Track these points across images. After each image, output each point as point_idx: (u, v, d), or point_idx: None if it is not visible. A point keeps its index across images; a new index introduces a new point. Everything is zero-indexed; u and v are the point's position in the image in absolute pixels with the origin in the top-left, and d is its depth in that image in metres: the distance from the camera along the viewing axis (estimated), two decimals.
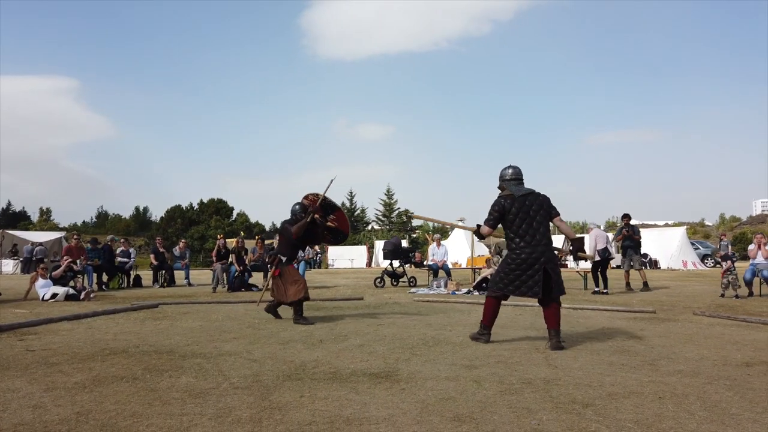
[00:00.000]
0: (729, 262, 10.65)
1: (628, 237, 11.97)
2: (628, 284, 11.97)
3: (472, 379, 3.74)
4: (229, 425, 2.80)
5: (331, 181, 7.19)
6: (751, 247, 10.70)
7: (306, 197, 7.21)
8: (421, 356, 4.56)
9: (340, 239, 7.84)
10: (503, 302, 5.31)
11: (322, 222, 7.09)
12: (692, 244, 29.85)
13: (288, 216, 7.03)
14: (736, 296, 9.83)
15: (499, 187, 5.32)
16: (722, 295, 10.00)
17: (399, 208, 62.73)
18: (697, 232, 55.96)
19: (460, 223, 6.78)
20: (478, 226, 5.29)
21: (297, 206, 7.04)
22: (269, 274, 6.96)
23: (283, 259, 6.81)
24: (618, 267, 13.83)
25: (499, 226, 5.18)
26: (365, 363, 4.30)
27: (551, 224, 5.15)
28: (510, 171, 5.27)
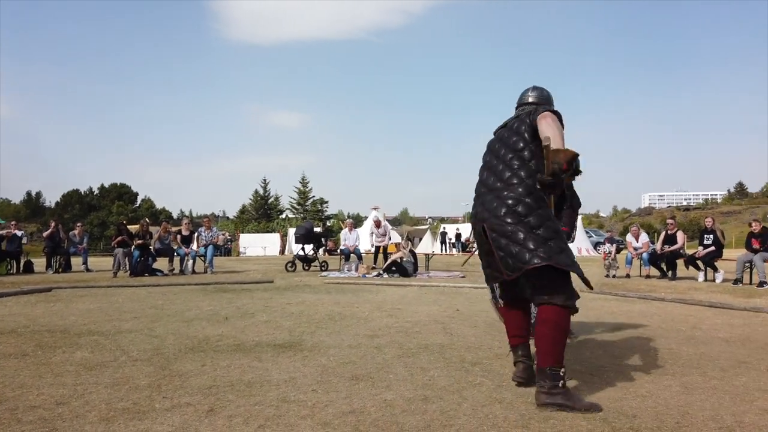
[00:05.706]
0: (610, 245, 11.69)
1: None
2: None
3: (373, 346, 3.92)
4: (127, 392, 2.79)
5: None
6: (628, 238, 11.86)
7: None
8: (326, 329, 4.69)
9: None
10: (411, 283, 5.63)
11: None
12: (586, 232, 32.08)
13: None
14: (614, 276, 10.79)
15: None
16: (607, 276, 10.94)
17: (314, 197, 62.48)
18: (592, 222, 60.10)
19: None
20: None
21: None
22: None
23: None
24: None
25: None
26: (270, 336, 4.36)
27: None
28: None
